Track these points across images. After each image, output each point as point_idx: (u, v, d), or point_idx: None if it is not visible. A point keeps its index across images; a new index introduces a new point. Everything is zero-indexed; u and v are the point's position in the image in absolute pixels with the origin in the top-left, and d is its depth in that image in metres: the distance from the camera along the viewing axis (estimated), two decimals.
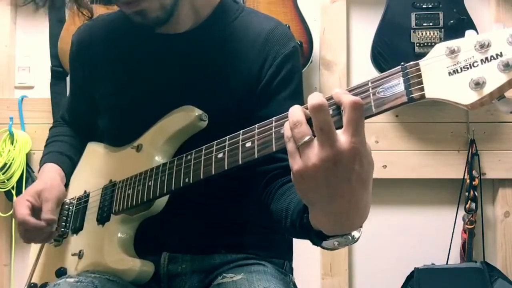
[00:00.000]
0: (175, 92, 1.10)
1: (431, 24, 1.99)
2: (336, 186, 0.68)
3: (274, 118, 0.82)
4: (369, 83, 0.73)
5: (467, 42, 0.67)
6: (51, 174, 1.19)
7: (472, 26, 1.98)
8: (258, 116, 1.04)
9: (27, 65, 2.36)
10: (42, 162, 1.24)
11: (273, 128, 0.81)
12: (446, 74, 0.68)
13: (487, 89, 0.64)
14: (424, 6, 2.01)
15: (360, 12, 2.25)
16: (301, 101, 1.11)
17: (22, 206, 1.09)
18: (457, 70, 0.67)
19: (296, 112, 0.71)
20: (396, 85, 0.71)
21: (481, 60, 0.66)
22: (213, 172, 0.91)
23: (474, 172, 2.09)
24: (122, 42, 1.16)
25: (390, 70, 0.72)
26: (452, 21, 1.97)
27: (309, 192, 0.71)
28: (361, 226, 0.76)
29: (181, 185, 0.96)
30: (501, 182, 2.16)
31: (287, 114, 0.76)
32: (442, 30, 1.98)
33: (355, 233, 0.75)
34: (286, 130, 0.72)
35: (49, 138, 1.33)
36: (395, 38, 2.01)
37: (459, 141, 2.14)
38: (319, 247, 0.82)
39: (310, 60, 2.06)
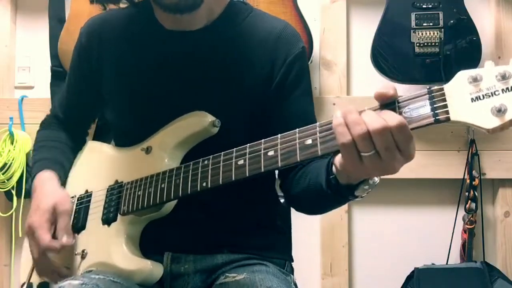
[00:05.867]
0: (184, 91, 1.11)
1: (431, 24, 1.99)
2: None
3: (297, 129, 0.86)
4: (396, 102, 0.78)
5: (488, 72, 0.74)
6: (52, 183, 1.16)
7: (472, 26, 1.98)
8: (275, 115, 1.09)
9: (27, 65, 2.36)
10: (35, 170, 1.20)
11: (297, 139, 0.86)
12: (469, 100, 0.74)
13: (509, 116, 0.72)
14: (424, 6, 2.01)
15: (360, 12, 2.25)
16: (312, 97, 1.16)
17: (44, 230, 1.06)
18: (479, 97, 0.74)
19: (361, 123, 0.76)
20: (422, 106, 0.77)
21: (502, 89, 0.73)
22: (233, 178, 0.93)
23: (474, 172, 2.09)
24: (133, 38, 1.16)
25: (416, 93, 0.78)
26: (452, 21, 1.97)
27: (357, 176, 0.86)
28: None
29: (198, 189, 0.97)
30: (501, 182, 2.16)
31: (310, 126, 0.85)
32: (442, 30, 1.97)
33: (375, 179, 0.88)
34: (342, 135, 0.77)
35: (38, 142, 1.29)
36: (395, 38, 2.01)
37: (459, 141, 2.14)
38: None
39: (310, 60, 2.06)
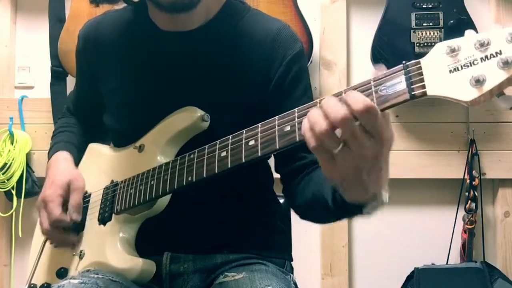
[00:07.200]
0: (181, 92, 1.10)
1: (431, 24, 1.99)
2: (369, 170, 0.76)
3: (276, 116, 0.84)
4: (372, 81, 0.74)
5: (467, 41, 0.69)
6: (66, 162, 1.20)
7: (472, 26, 1.97)
8: (273, 116, 1.07)
9: (27, 65, 2.36)
10: (53, 151, 1.24)
11: (276, 126, 0.83)
12: (447, 72, 0.69)
13: (487, 86, 0.66)
14: (424, 6, 2.01)
15: (360, 12, 2.25)
16: (312, 98, 1.13)
17: (55, 203, 1.11)
18: (457, 68, 0.69)
19: (322, 120, 0.72)
20: (398, 83, 0.72)
21: (481, 58, 0.68)
22: (216, 171, 0.91)
23: (474, 172, 2.09)
24: (129, 39, 1.16)
25: (392, 69, 0.74)
26: (452, 21, 1.97)
27: (345, 180, 0.78)
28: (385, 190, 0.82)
29: (184, 183, 0.96)
30: (501, 182, 2.15)
31: (289, 112, 0.82)
32: (442, 30, 1.97)
33: (384, 195, 0.81)
34: (310, 139, 0.73)
35: (57, 128, 1.33)
36: (395, 38, 2.01)
37: (459, 141, 2.14)
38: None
39: (310, 60, 2.06)
